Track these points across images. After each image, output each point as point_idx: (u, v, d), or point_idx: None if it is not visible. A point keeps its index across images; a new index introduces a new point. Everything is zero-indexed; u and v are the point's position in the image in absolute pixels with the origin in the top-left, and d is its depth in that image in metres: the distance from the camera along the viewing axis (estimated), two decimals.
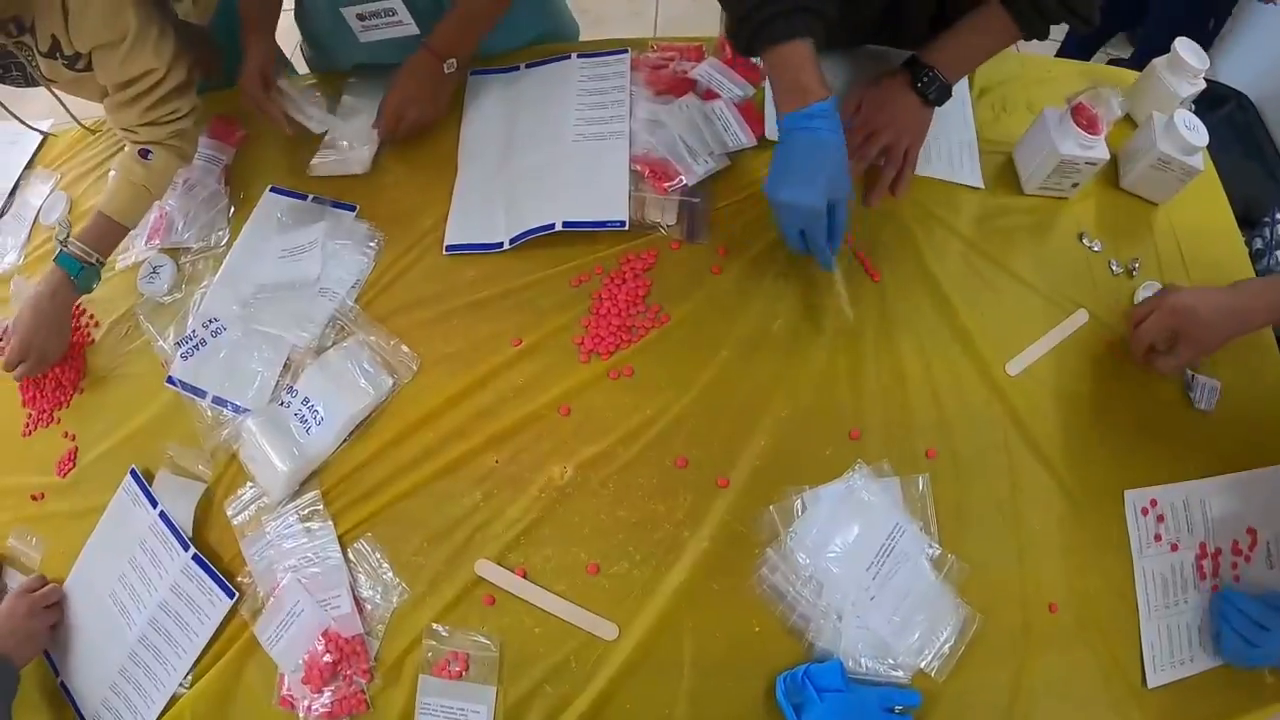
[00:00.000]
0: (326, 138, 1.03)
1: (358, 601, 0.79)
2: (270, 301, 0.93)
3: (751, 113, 0.97)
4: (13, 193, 1.22)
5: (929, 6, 0.90)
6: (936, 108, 0.89)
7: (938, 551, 0.72)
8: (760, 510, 0.74)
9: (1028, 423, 0.79)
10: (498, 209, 0.93)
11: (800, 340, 0.82)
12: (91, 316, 1.06)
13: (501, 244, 0.90)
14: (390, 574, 0.79)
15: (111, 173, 0.97)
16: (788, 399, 0.79)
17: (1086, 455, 0.77)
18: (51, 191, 1.18)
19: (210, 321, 0.93)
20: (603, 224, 0.87)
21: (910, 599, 0.69)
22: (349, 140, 1.00)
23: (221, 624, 0.82)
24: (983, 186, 0.95)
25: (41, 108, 1.13)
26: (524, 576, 0.74)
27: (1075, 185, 0.90)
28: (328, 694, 0.76)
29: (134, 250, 1.05)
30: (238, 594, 0.81)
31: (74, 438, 1.00)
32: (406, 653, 0.75)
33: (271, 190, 1.03)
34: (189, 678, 0.82)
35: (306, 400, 0.86)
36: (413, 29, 0.99)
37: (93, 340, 1.05)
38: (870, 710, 0.64)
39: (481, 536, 0.77)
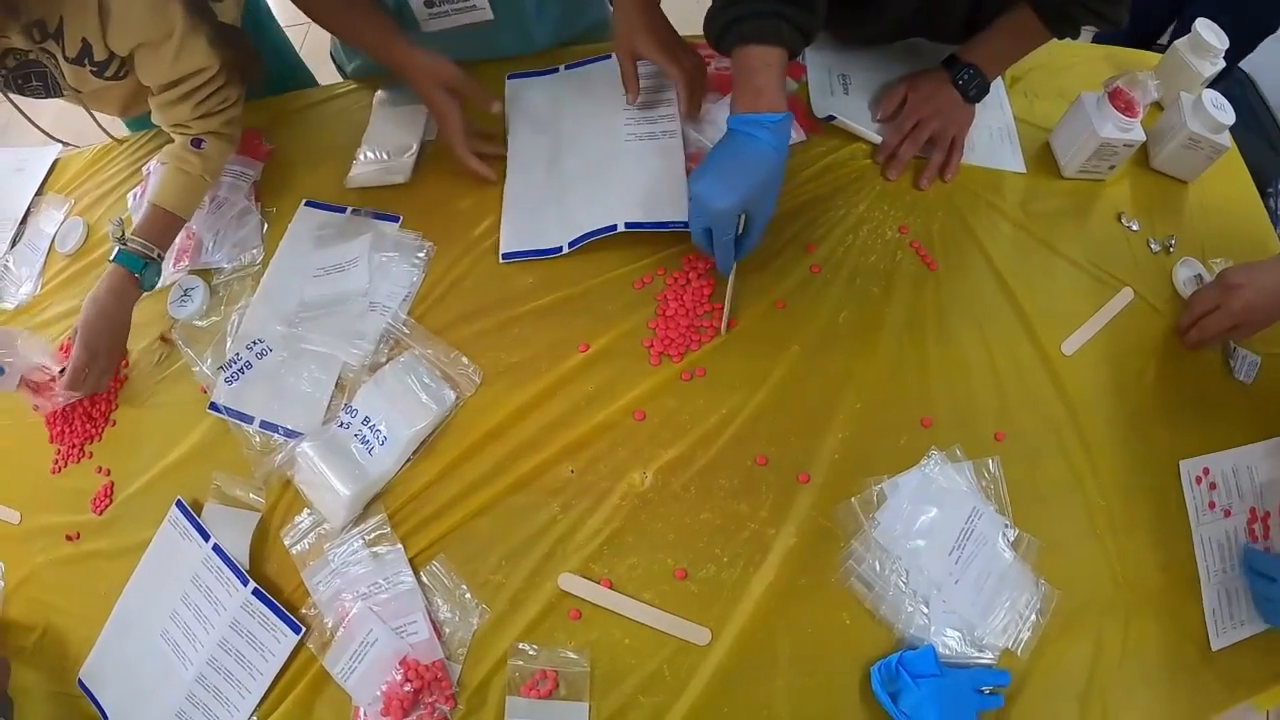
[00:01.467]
0: (363, 148, 0.99)
1: (435, 626, 0.76)
2: (316, 319, 0.90)
3: (799, 108, 0.98)
4: (23, 221, 1.16)
5: (961, 7, 0.92)
6: (975, 103, 0.92)
7: (1014, 532, 0.73)
8: (842, 503, 0.74)
9: (1085, 400, 0.81)
10: (550, 213, 0.91)
11: (866, 332, 0.82)
12: None
13: (560, 248, 0.88)
14: (468, 595, 0.77)
15: (155, 165, 0.95)
16: (859, 391, 0.79)
17: (1141, 428, 0.80)
18: (66, 218, 1.13)
19: (254, 343, 0.90)
20: (666, 225, 0.85)
21: (992, 580, 0.70)
22: (387, 150, 0.97)
23: (286, 660, 0.79)
24: (1024, 171, 0.96)
25: (63, 131, 1.08)
26: (610, 587, 0.73)
27: (1112, 167, 0.93)
28: None
29: (161, 274, 1.00)
30: (304, 629, 0.78)
31: (108, 472, 0.97)
32: (491, 675, 0.73)
33: (306, 205, 1.00)
34: (253, 718, 0.79)
35: (367, 420, 0.83)
36: (487, 13, 0.96)
37: (122, 368, 0.99)
38: (964, 692, 0.65)
39: (563, 550, 0.76)
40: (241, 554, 0.84)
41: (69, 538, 0.95)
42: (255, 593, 0.81)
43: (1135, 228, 0.91)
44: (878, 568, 0.70)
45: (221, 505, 0.88)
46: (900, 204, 0.92)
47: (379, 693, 0.74)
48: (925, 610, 0.69)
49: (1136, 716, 0.69)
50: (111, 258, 0.92)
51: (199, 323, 0.97)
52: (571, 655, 0.71)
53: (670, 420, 0.79)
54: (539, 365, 0.85)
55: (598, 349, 0.84)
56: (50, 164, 1.21)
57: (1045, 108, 1.03)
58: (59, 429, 1.00)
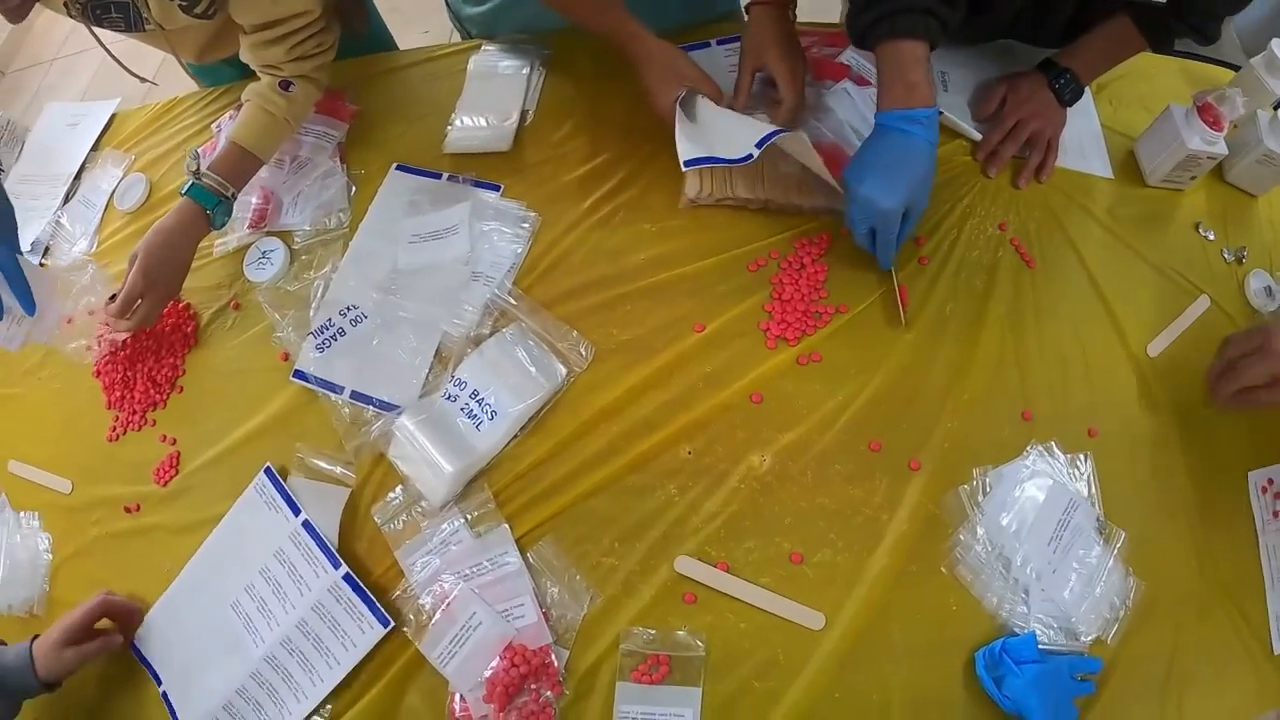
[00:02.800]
0: (459, 113, 0.95)
1: (542, 609, 0.73)
2: (414, 287, 0.87)
3: None
4: (77, 176, 1.10)
5: (1066, 11, 0.95)
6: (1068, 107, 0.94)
7: (1105, 525, 0.74)
8: (950, 491, 0.74)
9: (1169, 401, 0.82)
10: (715, 136, 0.84)
11: (970, 325, 0.83)
12: (188, 306, 0.97)
13: (750, 155, 0.80)
14: (579, 577, 0.74)
15: (228, 118, 0.88)
16: (965, 382, 0.80)
17: (1215, 433, 0.80)
18: (125, 174, 1.07)
19: (347, 309, 0.86)
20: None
21: (1085, 570, 0.72)
22: (486, 117, 0.93)
23: (370, 651, 0.76)
24: (1112, 176, 0.97)
25: (102, 86, 1.03)
26: (726, 571, 0.72)
27: (1193, 178, 0.95)
28: (513, 713, 0.71)
29: (234, 235, 0.95)
30: (393, 622, 0.75)
31: (174, 441, 0.92)
32: (601, 660, 0.72)
33: (397, 168, 0.96)
34: (328, 708, 0.75)
35: (475, 393, 0.79)
36: None
37: (192, 331, 0.94)
38: (1062, 678, 0.66)
39: (679, 532, 0.74)
40: (330, 531, 0.81)
41: (128, 510, 0.91)
42: (346, 578, 0.77)
43: (1211, 237, 0.93)
44: (983, 556, 0.71)
45: (307, 479, 0.84)
46: (999, 201, 0.92)
47: (481, 679, 0.71)
48: (1025, 598, 0.70)
49: (1208, 705, 0.69)
50: (183, 191, 0.89)
51: (288, 287, 0.93)
52: (687, 639, 0.70)
53: (787, 404, 0.78)
54: (653, 344, 0.83)
55: (713, 330, 0.83)
56: (107, 119, 1.15)
57: (1127, 115, 1.04)
58: (118, 394, 0.95)
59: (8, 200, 0.82)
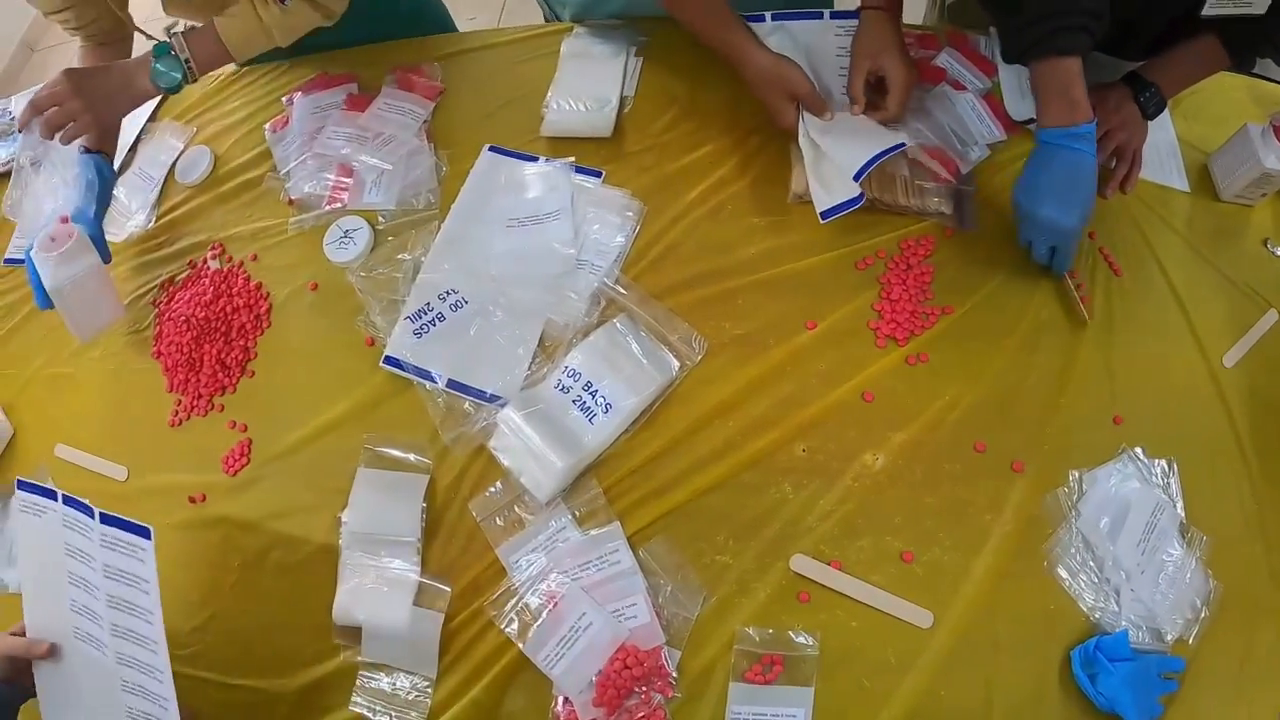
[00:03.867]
0: (553, 97, 0.93)
1: (655, 609, 0.71)
2: (516, 273, 0.83)
3: (996, 106, 0.98)
4: (132, 148, 1.04)
5: (1155, 28, 0.96)
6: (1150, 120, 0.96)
7: (1187, 528, 0.75)
8: (1049, 493, 0.75)
9: (1245, 411, 0.82)
10: (826, 168, 0.84)
11: (1065, 330, 0.83)
12: (260, 286, 0.93)
13: (862, 196, 0.81)
14: (693, 576, 0.73)
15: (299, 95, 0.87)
16: (1062, 386, 0.80)
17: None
18: (186, 147, 1.02)
19: (447, 294, 0.82)
20: (886, 153, 0.82)
21: (1170, 571, 0.73)
22: (584, 102, 0.91)
23: (469, 644, 0.74)
24: (1188, 189, 0.99)
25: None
26: (839, 569, 0.72)
27: (1264, 195, 0.97)
28: (623, 716, 0.68)
29: (310, 213, 0.91)
30: (151, 528, 0.65)
31: (245, 429, 0.88)
32: (714, 660, 0.71)
33: (490, 150, 0.93)
34: (426, 704, 0.73)
35: (589, 386, 0.76)
36: None
37: (265, 312, 0.90)
38: (1150, 676, 0.69)
39: (793, 530, 0.74)
40: (412, 522, 0.78)
41: (192, 500, 0.87)
42: (104, 518, 0.66)
43: (1278, 253, 0.94)
44: (1079, 557, 0.73)
45: (377, 469, 0.81)
46: None
47: (590, 681, 0.69)
48: (1116, 598, 0.72)
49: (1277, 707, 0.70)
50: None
51: (376, 269, 0.89)
52: (801, 639, 0.70)
53: (898, 403, 0.79)
54: (765, 339, 0.82)
55: (825, 327, 0.82)
56: None
57: (1201, 130, 1.07)
58: (181, 377, 0.91)
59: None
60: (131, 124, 1.07)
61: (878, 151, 0.81)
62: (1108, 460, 0.76)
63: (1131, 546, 0.73)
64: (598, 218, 0.85)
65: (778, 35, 0.92)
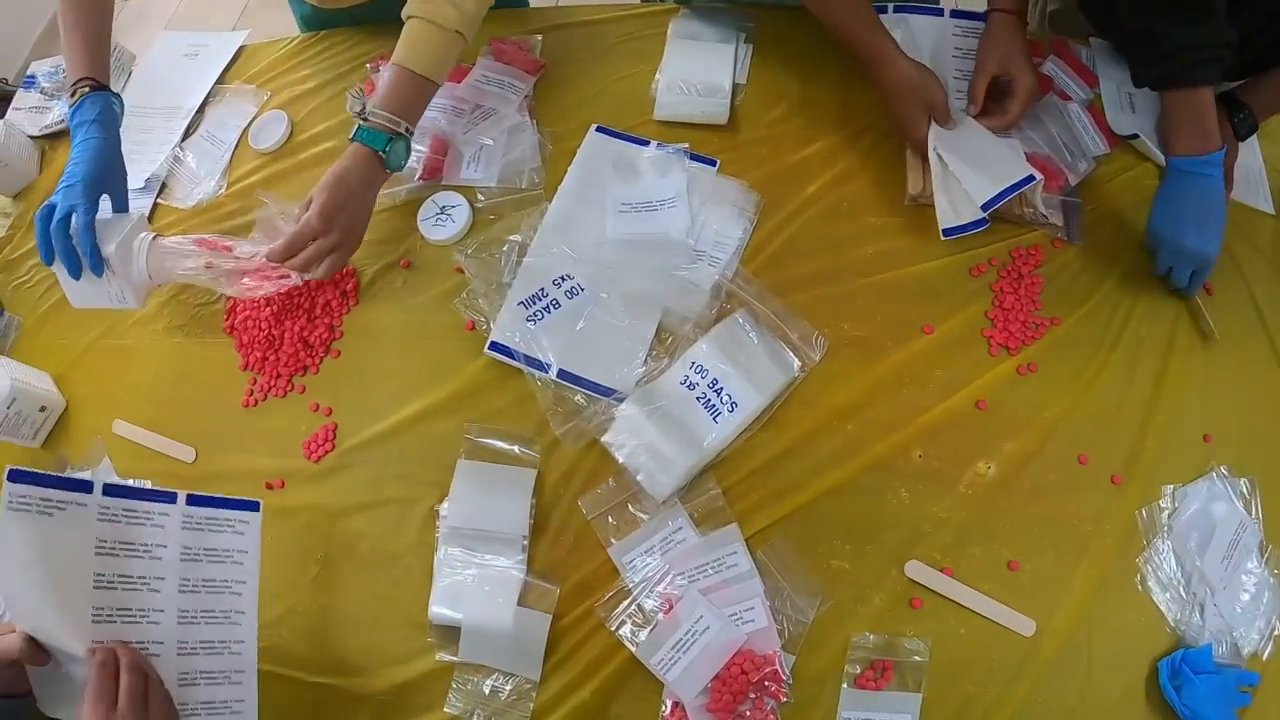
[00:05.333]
0: (667, 76, 0.91)
1: (772, 613, 0.70)
2: (631, 261, 0.81)
3: (1099, 118, 0.97)
4: (200, 110, 0.99)
5: (1254, 51, 0.95)
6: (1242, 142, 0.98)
7: (1266, 547, 0.77)
8: (1144, 506, 0.76)
9: None
10: (952, 185, 0.84)
11: (1160, 346, 0.83)
12: None
13: (983, 221, 0.82)
14: (809, 579, 0.72)
15: (405, 21, 0.81)
16: (1158, 402, 0.80)
17: None
18: (260, 111, 0.97)
19: (561, 279, 0.80)
20: (1017, 187, 0.82)
21: (1250, 588, 0.75)
22: (695, 86, 0.88)
23: (576, 646, 0.72)
24: (1274, 212, 1.00)
25: (228, 18, 0.93)
26: (951, 576, 0.73)
27: None
28: None
29: (403, 186, 0.87)
30: (260, 501, 0.67)
31: (329, 412, 0.84)
32: (827, 666, 0.71)
33: (597, 130, 0.90)
34: (530, 707, 0.71)
35: (715, 383, 0.73)
36: None
37: (352, 290, 0.87)
38: (1229, 689, 0.71)
39: (910, 536, 0.74)
40: (521, 518, 0.75)
41: (269, 485, 0.83)
42: (190, 499, 0.65)
43: None
44: (1169, 571, 0.74)
45: (478, 461, 0.78)
46: None
47: (705, 686, 0.68)
48: (1200, 612, 0.73)
49: None
50: (351, 136, 0.81)
51: (479, 250, 0.85)
52: (912, 645, 0.70)
53: (1010, 412, 0.79)
54: (884, 342, 0.81)
55: (941, 333, 0.82)
56: (234, 51, 1.04)
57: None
58: (258, 355, 0.86)
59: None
60: (198, 85, 1.03)
61: (1008, 185, 0.82)
62: (1198, 477, 0.77)
63: (1216, 563, 0.75)
64: (714, 208, 0.83)
65: (901, 29, 0.91)
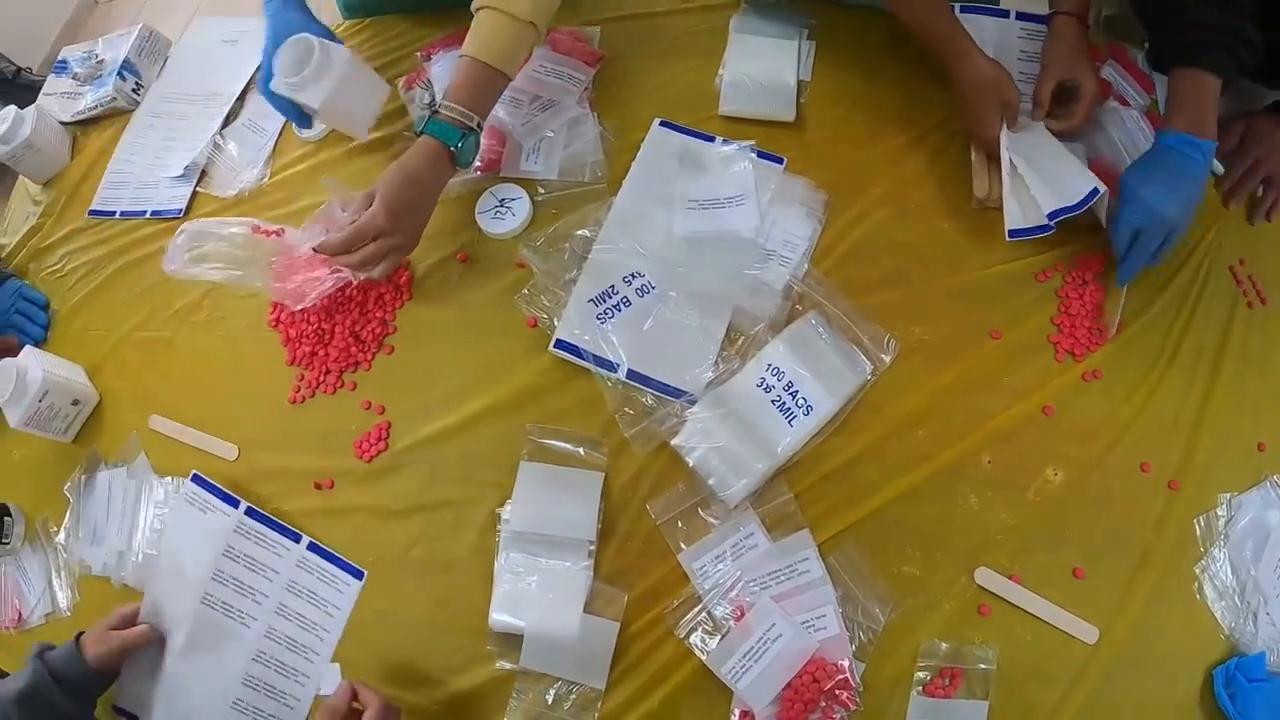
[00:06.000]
0: (731, 71, 0.89)
1: (843, 620, 0.70)
2: (701, 260, 0.79)
3: (1158, 124, 0.95)
4: (240, 98, 0.96)
5: None
6: None
7: None
8: (1200, 514, 0.76)
9: None
10: (1018, 188, 0.83)
11: (1216, 355, 0.83)
12: None
13: (1049, 226, 0.81)
14: (880, 586, 0.71)
15: (475, 11, 0.79)
16: (1215, 410, 0.80)
17: None
18: None
19: (632, 276, 0.79)
20: (1077, 206, 0.81)
21: None
22: (760, 81, 0.87)
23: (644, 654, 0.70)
24: None
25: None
26: (1019, 583, 0.72)
27: None
28: None
29: (456, 180, 0.84)
30: (365, 571, 0.77)
31: (382, 410, 0.81)
32: (897, 674, 0.70)
33: (660, 124, 0.89)
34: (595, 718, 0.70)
35: (790, 386, 0.72)
36: None
37: (405, 284, 0.85)
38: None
39: (980, 543, 0.74)
40: (589, 523, 0.73)
41: (318, 485, 0.81)
42: (311, 547, 0.77)
43: None
44: (1224, 579, 0.75)
45: (542, 463, 0.76)
46: (1238, 236, 0.93)
47: (776, 695, 0.67)
48: (1254, 620, 0.73)
49: None
50: (419, 129, 0.78)
51: (544, 246, 0.83)
52: (980, 653, 0.70)
53: (1076, 419, 0.78)
54: (953, 346, 0.80)
55: (1009, 338, 0.81)
56: None
57: None
58: (306, 350, 0.84)
59: None
60: (238, 71, 1.00)
61: (1077, 201, 0.81)
62: (1252, 486, 0.77)
63: (1270, 571, 0.75)
64: (782, 207, 0.82)
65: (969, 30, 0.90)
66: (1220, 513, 0.76)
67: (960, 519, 0.74)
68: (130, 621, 0.74)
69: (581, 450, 0.76)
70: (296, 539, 0.77)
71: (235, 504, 0.78)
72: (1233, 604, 0.73)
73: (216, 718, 0.73)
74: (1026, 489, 0.75)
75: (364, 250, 0.75)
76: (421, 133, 0.77)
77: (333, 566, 0.77)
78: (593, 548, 0.72)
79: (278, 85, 0.84)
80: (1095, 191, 0.80)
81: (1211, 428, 0.78)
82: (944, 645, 0.70)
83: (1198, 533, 0.75)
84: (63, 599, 0.85)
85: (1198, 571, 0.73)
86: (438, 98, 0.79)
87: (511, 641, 0.71)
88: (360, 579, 0.77)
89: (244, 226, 0.83)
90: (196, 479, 0.78)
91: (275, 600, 0.76)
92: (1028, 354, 0.80)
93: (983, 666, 0.69)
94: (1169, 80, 0.80)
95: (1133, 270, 0.80)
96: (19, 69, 1.95)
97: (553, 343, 0.78)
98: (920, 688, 0.69)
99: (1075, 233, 0.84)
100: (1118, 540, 0.74)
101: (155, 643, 0.74)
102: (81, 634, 0.72)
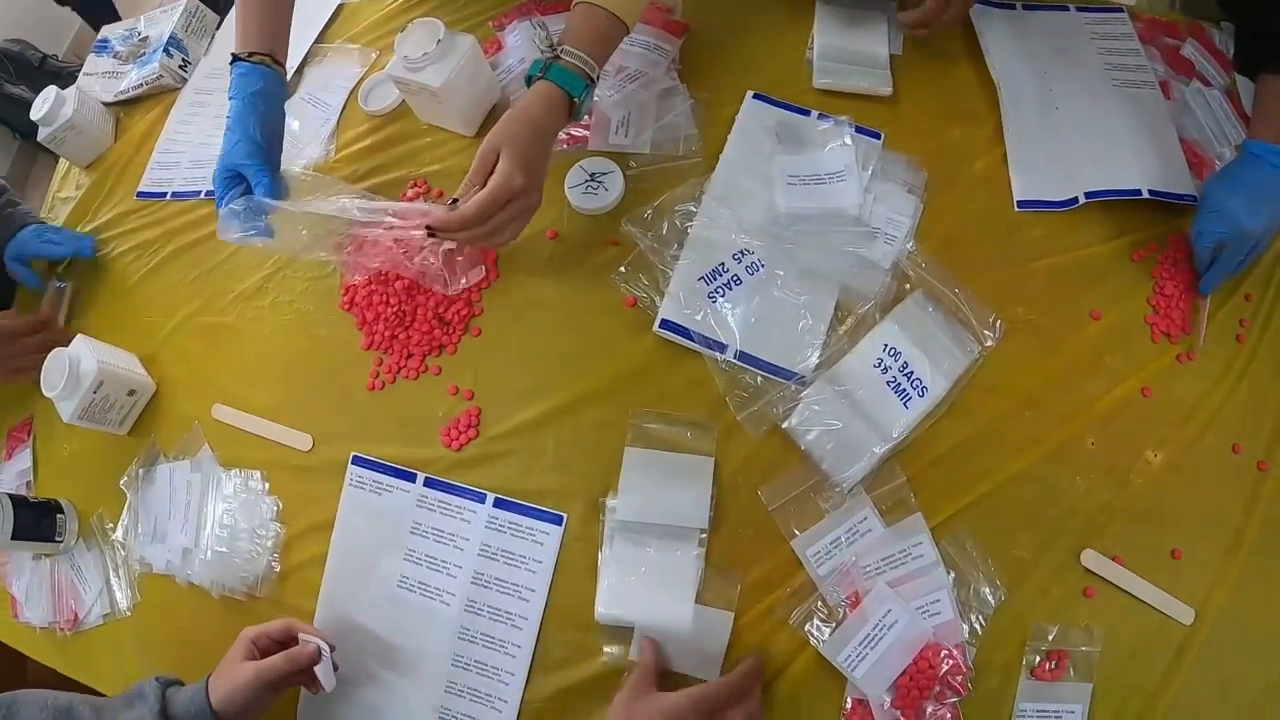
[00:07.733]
0: (822, 44, 0.88)
1: (957, 605, 0.70)
2: (808, 236, 0.78)
3: (1238, 105, 0.98)
4: (298, 72, 0.93)
5: None
6: None
7: None
8: None
9: None
10: (1054, 161, 0.84)
11: None
12: None
13: (1076, 199, 0.82)
14: (992, 570, 0.71)
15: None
16: None
17: None
18: (368, 71, 0.93)
19: (741, 254, 0.78)
20: (1182, 197, 0.82)
21: None
22: (851, 55, 0.86)
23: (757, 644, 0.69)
24: None
25: None
26: (1122, 565, 0.73)
27: None
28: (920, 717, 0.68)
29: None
30: (564, 515, 0.73)
31: (471, 396, 0.78)
32: (1008, 657, 0.70)
33: (754, 97, 0.87)
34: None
35: (905, 366, 0.71)
36: None
37: (491, 262, 0.83)
38: None
39: (1086, 525, 0.74)
40: (700, 510, 0.71)
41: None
42: (497, 503, 0.74)
43: None
44: None
45: (645, 449, 0.74)
46: None
47: (892, 682, 0.67)
48: None
49: None
50: (537, 73, 0.74)
51: (649, 223, 0.80)
52: (1085, 635, 0.70)
53: (1173, 401, 0.79)
54: (1057, 326, 0.80)
55: (1109, 319, 0.81)
56: (333, 10, 0.98)
57: None
58: (385, 333, 0.82)
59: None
60: (294, 45, 0.96)
61: (1110, 188, 0.81)
62: None
63: None
64: (882, 183, 0.81)
65: (1033, 24, 0.91)
66: None
67: (1068, 501, 0.75)
68: (272, 647, 0.68)
69: (689, 434, 0.74)
70: (481, 499, 0.75)
71: (412, 478, 0.77)
72: None
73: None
74: (1129, 470, 0.76)
75: (499, 216, 0.70)
76: (539, 78, 0.73)
77: (527, 518, 0.74)
78: (704, 536, 0.71)
79: (394, 67, 0.80)
80: (1138, 191, 0.80)
81: None
82: (1052, 628, 0.70)
83: None
84: (122, 599, 0.82)
85: None
86: (562, 45, 0.74)
87: (619, 635, 0.70)
88: (560, 524, 0.73)
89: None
90: (358, 460, 0.78)
91: (469, 570, 0.73)
92: (1127, 334, 0.81)
93: (1085, 648, 0.70)
94: (1256, 87, 0.82)
95: (1216, 281, 0.81)
96: (45, 56, 1.91)
97: (658, 322, 0.77)
98: (1029, 671, 0.70)
99: (1171, 210, 0.83)
100: (1212, 521, 0.75)
101: (304, 664, 0.66)
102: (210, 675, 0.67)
